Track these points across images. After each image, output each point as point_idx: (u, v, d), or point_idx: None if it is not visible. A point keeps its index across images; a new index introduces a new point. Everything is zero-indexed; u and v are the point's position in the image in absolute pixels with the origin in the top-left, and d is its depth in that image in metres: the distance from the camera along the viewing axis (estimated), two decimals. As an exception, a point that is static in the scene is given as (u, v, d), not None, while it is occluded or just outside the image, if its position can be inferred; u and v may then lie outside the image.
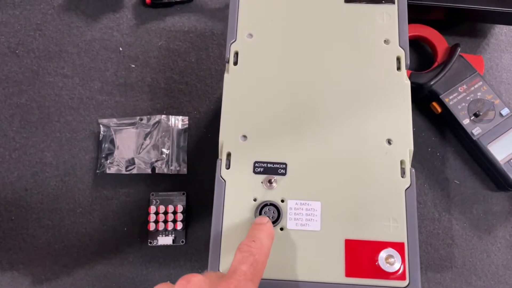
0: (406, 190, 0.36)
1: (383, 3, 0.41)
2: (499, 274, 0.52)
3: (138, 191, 0.54)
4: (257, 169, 0.37)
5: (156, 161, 0.54)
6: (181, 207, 0.52)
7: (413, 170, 0.37)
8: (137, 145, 0.55)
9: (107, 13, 0.61)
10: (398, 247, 0.35)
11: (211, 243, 0.35)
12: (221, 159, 0.37)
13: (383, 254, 0.34)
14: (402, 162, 0.37)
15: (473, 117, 0.53)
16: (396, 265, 0.34)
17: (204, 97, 0.58)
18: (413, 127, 0.38)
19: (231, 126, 0.38)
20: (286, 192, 0.36)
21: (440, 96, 0.53)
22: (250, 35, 0.41)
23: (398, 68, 0.40)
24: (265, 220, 0.34)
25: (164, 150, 0.54)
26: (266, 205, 0.36)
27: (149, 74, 0.59)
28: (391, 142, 0.37)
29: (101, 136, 0.56)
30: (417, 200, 0.52)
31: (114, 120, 0.56)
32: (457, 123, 0.53)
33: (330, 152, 0.37)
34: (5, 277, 0.52)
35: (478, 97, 0.53)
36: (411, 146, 0.37)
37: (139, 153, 0.55)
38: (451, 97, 0.53)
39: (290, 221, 0.36)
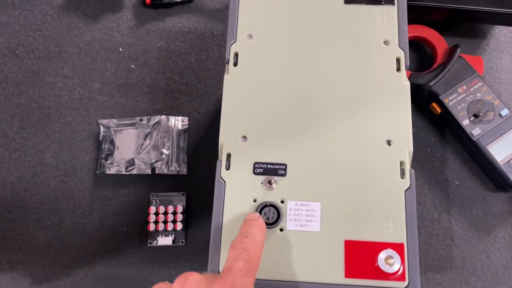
0: (405, 191, 0.36)
1: (382, 4, 0.42)
2: (499, 275, 0.52)
3: (138, 191, 0.54)
4: (257, 170, 0.37)
5: (156, 161, 0.54)
6: (181, 207, 0.52)
7: (413, 171, 0.37)
8: (137, 145, 0.55)
9: (107, 14, 0.61)
10: (398, 248, 0.35)
11: (211, 244, 0.35)
12: (221, 160, 0.37)
13: (382, 255, 0.34)
14: (401, 163, 0.37)
15: (472, 117, 0.53)
16: (395, 266, 0.34)
17: (204, 97, 0.58)
18: (413, 128, 0.38)
19: (231, 127, 0.38)
20: (286, 193, 0.36)
21: (440, 97, 0.53)
22: (250, 36, 0.41)
23: (398, 69, 0.40)
24: (256, 216, 0.34)
25: (164, 150, 0.54)
26: (266, 205, 0.36)
27: (149, 74, 0.59)
28: (391, 143, 0.37)
29: (101, 136, 0.56)
30: (417, 201, 0.52)
31: (114, 120, 0.56)
32: (457, 123, 0.53)
33: (330, 153, 0.37)
34: (5, 277, 0.52)
35: (478, 97, 0.53)
36: (410, 147, 0.37)
37: (139, 153, 0.55)
38: (450, 98, 0.53)
39: (289, 222, 0.36)
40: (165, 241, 0.52)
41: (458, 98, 0.53)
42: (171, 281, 0.29)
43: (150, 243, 0.52)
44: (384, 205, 0.36)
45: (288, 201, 0.36)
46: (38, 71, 0.59)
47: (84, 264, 0.52)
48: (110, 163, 0.54)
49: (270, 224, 0.35)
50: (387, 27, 0.41)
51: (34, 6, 0.61)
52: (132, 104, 0.57)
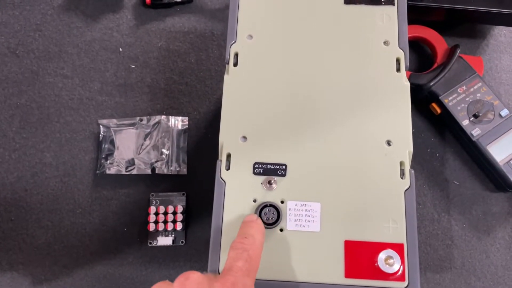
0: (405, 191, 0.36)
1: (382, 4, 0.42)
2: (498, 275, 0.52)
3: (138, 191, 0.54)
4: (257, 170, 0.37)
5: (156, 161, 0.54)
6: (181, 207, 0.52)
7: (413, 171, 0.37)
8: (137, 145, 0.55)
9: (107, 14, 0.61)
10: (398, 248, 0.35)
11: (211, 244, 0.35)
12: (221, 160, 0.38)
13: (382, 255, 0.34)
14: (401, 163, 0.37)
15: (472, 118, 0.53)
16: (395, 266, 0.34)
17: (204, 97, 0.58)
18: (413, 128, 0.38)
19: (231, 127, 0.38)
20: (286, 193, 0.36)
21: (440, 97, 0.53)
22: (250, 36, 0.41)
23: (398, 70, 0.40)
24: (255, 217, 0.34)
25: (164, 150, 0.54)
26: (266, 206, 0.36)
27: (149, 74, 0.59)
28: (391, 144, 0.37)
29: (101, 136, 0.56)
30: (417, 201, 0.52)
31: (114, 120, 0.56)
32: (457, 124, 0.53)
33: (330, 153, 0.37)
34: (5, 278, 0.52)
35: (478, 98, 0.53)
36: (410, 148, 0.37)
37: (139, 153, 0.55)
38: (450, 98, 0.53)
39: (289, 222, 0.36)
40: (165, 241, 0.52)
41: (458, 98, 0.53)
42: (171, 281, 0.29)
43: (150, 243, 0.52)
44: (384, 205, 0.36)
45: (288, 201, 0.36)
46: (38, 71, 0.59)
47: (84, 264, 0.52)
48: (110, 163, 0.54)
49: (270, 225, 0.35)
50: (387, 27, 0.41)
51: (34, 6, 0.61)
52: (132, 104, 0.57)
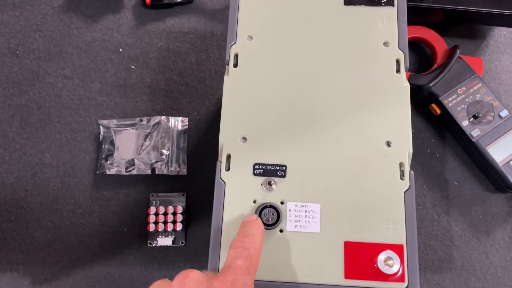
0: (405, 192, 0.36)
1: (382, 5, 0.42)
2: (498, 276, 0.52)
3: (138, 192, 0.54)
4: (256, 171, 0.37)
5: (156, 162, 0.54)
6: (181, 208, 0.52)
7: (412, 173, 0.37)
8: (137, 146, 0.55)
9: (107, 14, 0.61)
10: (397, 249, 0.35)
11: (211, 245, 0.35)
12: (221, 161, 0.38)
13: (382, 256, 0.34)
14: (401, 165, 0.37)
15: (472, 118, 0.53)
16: (395, 267, 0.34)
17: (204, 98, 0.58)
18: (412, 129, 0.38)
19: (231, 128, 0.38)
20: (286, 194, 0.36)
21: (439, 98, 0.53)
22: (250, 37, 0.41)
23: (398, 71, 0.40)
24: (255, 217, 0.35)
25: (164, 151, 0.55)
26: (265, 207, 0.36)
27: (149, 75, 0.59)
28: (391, 145, 0.37)
29: (101, 137, 0.56)
30: (416, 202, 0.52)
31: (114, 121, 0.56)
32: (456, 124, 0.53)
33: (329, 154, 0.37)
34: (5, 278, 0.52)
35: (477, 99, 0.53)
36: (410, 149, 0.37)
37: (139, 154, 0.55)
38: (450, 99, 0.53)
39: (289, 223, 0.36)
40: (165, 241, 0.52)
41: (458, 99, 0.53)
42: (171, 281, 0.29)
43: (150, 243, 0.52)
44: (384, 206, 0.36)
45: (288, 202, 0.36)
46: (38, 71, 0.59)
47: (84, 264, 0.52)
48: (110, 164, 0.54)
49: (270, 225, 0.35)
50: (387, 28, 0.41)
51: (34, 7, 0.61)
52: (132, 104, 0.57)
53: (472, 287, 0.52)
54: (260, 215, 0.35)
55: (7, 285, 0.52)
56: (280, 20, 0.41)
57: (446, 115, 0.54)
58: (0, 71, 0.59)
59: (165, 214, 0.52)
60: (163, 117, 0.56)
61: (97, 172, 0.55)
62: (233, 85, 0.40)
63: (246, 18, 0.42)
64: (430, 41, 0.57)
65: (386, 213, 0.36)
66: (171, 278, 0.29)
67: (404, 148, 0.37)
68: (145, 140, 0.55)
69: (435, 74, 0.54)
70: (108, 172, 0.54)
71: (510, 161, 0.52)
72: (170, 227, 0.52)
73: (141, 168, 0.54)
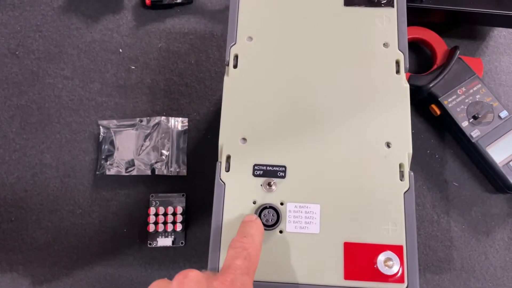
0: (404, 193, 0.36)
1: (382, 6, 0.42)
2: (497, 276, 0.52)
3: (138, 192, 0.54)
4: (256, 172, 0.37)
5: (156, 162, 0.54)
6: (181, 208, 0.52)
7: (412, 174, 0.37)
8: (137, 146, 0.55)
9: (107, 15, 0.61)
10: (397, 250, 0.35)
11: (211, 245, 0.35)
12: (220, 162, 0.38)
13: (381, 257, 0.34)
14: (401, 165, 0.37)
15: (472, 119, 0.53)
16: (394, 268, 0.34)
17: (203, 98, 0.58)
18: (412, 129, 0.38)
19: (231, 129, 0.38)
20: (286, 195, 0.36)
21: (439, 99, 0.53)
22: (250, 38, 0.41)
23: (397, 72, 0.40)
24: (254, 217, 0.35)
25: (163, 151, 0.55)
26: (265, 208, 0.36)
27: (148, 75, 0.59)
28: (390, 146, 0.37)
29: (101, 137, 0.56)
30: (416, 202, 0.53)
31: (114, 121, 0.56)
32: (456, 125, 0.53)
33: (329, 155, 0.37)
34: (5, 278, 0.52)
35: (477, 99, 0.53)
36: (410, 150, 0.37)
37: (139, 154, 0.55)
38: (450, 100, 0.53)
39: (289, 224, 0.36)
40: (164, 242, 0.52)
41: (458, 99, 0.53)
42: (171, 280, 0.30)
43: (150, 244, 0.52)
44: (383, 207, 0.36)
45: (287, 203, 0.36)
46: (38, 72, 0.59)
47: (84, 265, 0.52)
48: (110, 164, 0.54)
49: (269, 226, 0.35)
50: (387, 29, 0.41)
51: (34, 7, 0.61)
52: (132, 105, 0.57)
53: (472, 287, 0.52)
54: (260, 216, 0.35)
55: (7, 286, 0.52)
56: (280, 21, 0.41)
57: (446, 115, 0.54)
58: (0, 72, 0.59)
59: (165, 214, 0.52)
60: (163, 118, 0.56)
61: (97, 172, 0.55)
62: (233, 85, 0.40)
63: (246, 18, 0.42)
64: (430, 42, 0.57)
65: (385, 214, 0.36)
66: (171, 278, 0.29)
67: (404, 149, 0.37)
68: (145, 140, 0.55)
69: (435, 74, 0.54)
70: (108, 173, 0.54)
71: (509, 161, 0.52)
72: (170, 227, 0.52)
73: (141, 169, 0.54)
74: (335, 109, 0.39)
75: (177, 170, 0.54)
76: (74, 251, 0.53)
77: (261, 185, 0.37)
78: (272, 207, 0.36)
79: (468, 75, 0.54)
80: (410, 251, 0.35)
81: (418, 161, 0.55)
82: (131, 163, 0.54)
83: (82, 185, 0.55)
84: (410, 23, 0.43)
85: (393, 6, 0.42)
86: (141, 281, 0.52)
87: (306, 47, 0.41)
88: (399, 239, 0.35)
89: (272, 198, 0.36)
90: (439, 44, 0.57)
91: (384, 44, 0.40)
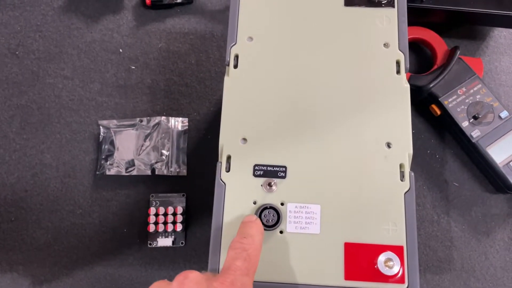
0: (405, 193, 0.36)
1: (383, 6, 0.42)
2: (498, 276, 0.52)
3: (138, 192, 0.54)
4: (257, 172, 0.37)
5: (156, 162, 0.54)
6: (181, 208, 0.52)
7: (412, 174, 0.37)
8: (137, 146, 0.55)
9: (107, 15, 0.61)
10: (397, 250, 0.35)
11: (211, 246, 0.35)
12: (221, 162, 0.38)
13: (382, 258, 0.34)
14: (401, 166, 0.37)
15: (472, 119, 0.53)
16: (395, 269, 0.34)
17: (204, 98, 0.58)
18: (412, 130, 0.38)
19: (231, 129, 0.38)
20: (286, 195, 0.36)
21: (440, 99, 0.53)
22: (251, 38, 0.41)
23: (398, 72, 0.40)
24: (254, 218, 0.35)
25: (164, 151, 0.55)
26: (265, 208, 0.36)
27: (149, 75, 0.59)
28: (391, 146, 0.37)
29: (101, 137, 0.56)
30: (416, 202, 0.52)
31: (114, 121, 0.56)
32: (456, 125, 0.53)
33: (329, 156, 0.37)
34: (5, 278, 0.52)
35: (477, 99, 0.53)
36: (410, 150, 0.37)
37: (139, 154, 0.55)
38: (450, 100, 0.53)
39: (289, 224, 0.36)
40: (165, 242, 0.52)
41: (458, 100, 0.53)
42: (171, 281, 0.30)
43: (150, 244, 0.52)
44: (384, 208, 0.36)
45: (288, 203, 0.36)
46: (38, 72, 0.59)
47: (84, 265, 0.52)
48: (110, 164, 0.54)
49: (270, 226, 0.35)
50: (387, 29, 0.41)
51: (35, 7, 0.61)
52: (132, 105, 0.57)
53: (472, 287, 0.52)
54: (260, 216, 0.35)
55: (7, 286, 0.52)
56: (280, 21, 0.41)
57: (446, 116, 0.54)
58: (0, 72, 0.59)
59: (165, 214, 0.52)
60: (163, 118, 0.56)
61: (97, 172, 0.55)
62: (233, 86, 0.40)
63: (247, 19, 0.42)
64: (430, 42, 0.57)
65: (386, 214, 0.36)
66: (171, 278, 0.29)
67: (404, 149, 0.37)
68: (145, 140, 0.55)
69: (435, 75, 0.54)
70: (108, 173, 0.54)
71: (510, 162, 0.52)
72: (170, 227, 0.52)
73: (141, 169, 0.54)
74: (335, 109, 0.39)
75: (177, 170, 0.54)
76: (74, 251, 0.53)
77: (262, 186, 0.37)
78: (272, 208, 0.36)
79: (468, 75, 0.54)
80: (410, 251, 0.35)
81: (418, 161, 0.55)
82: (131, 163, 0.54)
83: (82, 185, 0.55)
84: (411, 23, 0.43)
85: (393, 6, 0.42)
86: (141, 281, 0.52)
87: (306, 47, 0.41)
88: (400, 239, 0.35)
89: (272, 199, 0.36)
90: (439, 44, 0.57)
91: (384, 44, 0.40)
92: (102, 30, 0.60)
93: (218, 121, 0.38)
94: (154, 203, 0.53)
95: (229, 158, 0.38)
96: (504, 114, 0.53)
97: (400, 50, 0.40)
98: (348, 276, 0.34)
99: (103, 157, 0.55)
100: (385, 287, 0.34)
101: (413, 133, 0.38)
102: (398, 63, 0.40)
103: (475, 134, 0.52)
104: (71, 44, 0.60)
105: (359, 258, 0.35)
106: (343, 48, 0.40)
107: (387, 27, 0.41)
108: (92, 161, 0.56)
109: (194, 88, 0.58)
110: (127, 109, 0.57)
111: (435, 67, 0.56)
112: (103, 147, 0.55)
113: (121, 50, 0.60)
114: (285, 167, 0.37)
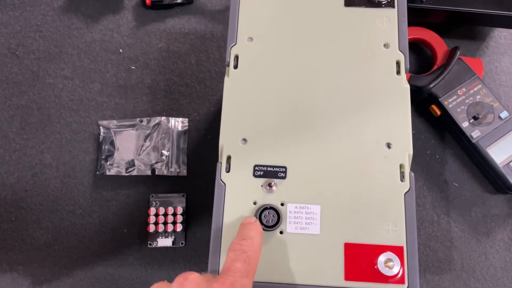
0: (405, 194, 0.36)
1: (383, 6, 0.42)
2: (497, 277, 0.52)
3: (138, 192, 0.54)
4: (257, 173, 0.37)
5: (156, 162, 0.54)
6: (181, 209, 0.52)
7: (412, 174, 0.37)
8: (137, 146, 0.55)
9: (107, 15, 0.61)
10: (397, 251, 0.35)
11: (211, 246, 0.35)
12: (221, 162, 0.38)
13: (382, 258, 0.34)
14: (401, 166, 0.37)
15: (472, 120, 0.53)
16: (395, 269, 0.34)
17: (204, 99, 0.58)
18: (412, 130, 0.38)
19: (231, 129, 0.38)
20: (286, 196, 0.36)
21: (440, 99, 0.53)
22: (251, 39, 0.41)
23: (398, 72, 0.40)
24: (253, 219, 0.35)
25: (164, 152, 0.55)
26: (266, 208, 0.36)
27: (149, 75, 0.59)
28: (391, 146, 0.37)
29: (101, 137, 0.56)
30: (416, 203, 0.52)
31: (114, 121, 0.56)
32: (456, 126, 0.53)
33: (329, 156, 0.37)
34: (5, 278, 0.52)
35: (477, 100, 0.53)
36: (410, 150, 0.37)
37: (139, 154, 0.55)
38: (450, 100, 0.53)
39: (290, 225, 0.36)
40: (165, 242, 0.52)
41: (458, 100, 0.53)
42: (170, 282, 0.30)
43: (150, 244, 0.52)
44: (384, 208, 0.36)
45: (288, 203, 0.36)
46: (38, 72, 0.59)
47: (84, 265, 0.52)
48: (110, 164, 0.54)
49: (270, 227, 0.35)
50: (387, 30, 0.41)
51: (35, 7, 0.61)
52: (132, 105, 0.57)
53: (472, 288, 0.52)
54: (260, 217, 0.35)
55: (7, 286, 0.52)
56: (280, 21, 0.41)
57: (446, 116, 0.54)
58: (0, 72, 0.59)
59: (165, 215, 0.52)
60: (163, 118, 0.56)
61: (97, 172, 0.55)
62: (233, 86, 0.40)
63: (247, 19, 0.42)
64: (430, 42, 0.57)
65: (386, 214, 0.36)
66: (171, 279, 0.29)
67: (404, 149, 0.37)
68: (145, 140, 0.55)
69: (435, 75, 0.54)
70: (108, 173, 0.54)
71: (510, 162, 0.52)
72: (170, 228, 0.52)
73: (141, 169, 0.54)
74: (335, 109, 0.39)
75: (177, 170, 0.54)
76: (74, 251, 0.53)
77: (262, 186, 0.37)
78: (272, 208, 0.36)
79: (468, 75, 0.54)
80: (410, 251, 0.35)
81: (419, 161, 0.55)
82: (131, 163, 0.54)
83: (82, 185, 0.55)
84: (411, 23, 0.43)
85: (393, 7, 0.42)
86: (141, 281, 0.52)
87: (306, 48, 0.41)
88: (400, 239, 0.35)
89: (272, 199, 0.36)
90: (439, 45, 0.57)
91: (384, 44, 0.40)
92: (102, 30, 0.60)
93: (218, 121, 0.38)
94: (154, 203, 0.53)
95: (229, 158, 0.38)
96: (504, 114, 0.53)
97: (400, 50, 0.40)
98: (348, 276, 0.34)
99: (103, 157, 0.55)
100: (385, 287, 0.34)
101: (413, 133, 0.38)
102: (398, 63, 0.40)
103: (475, 134, 0.52)
104: (71, 44, 0.60)
105: (359, 259, 0.35)
106: (343, 48, 0.40)
107: (387, 27, 0.41)
108: (92, 161, 0.56)
109: (194, 88, 0.58)
110: (127, 109, 0.57)
111: (435, 67, 0.56)
112: (103, 147, 0.55)
113: (121, 50, 0.60)
114: (285, 167, 0.37)
